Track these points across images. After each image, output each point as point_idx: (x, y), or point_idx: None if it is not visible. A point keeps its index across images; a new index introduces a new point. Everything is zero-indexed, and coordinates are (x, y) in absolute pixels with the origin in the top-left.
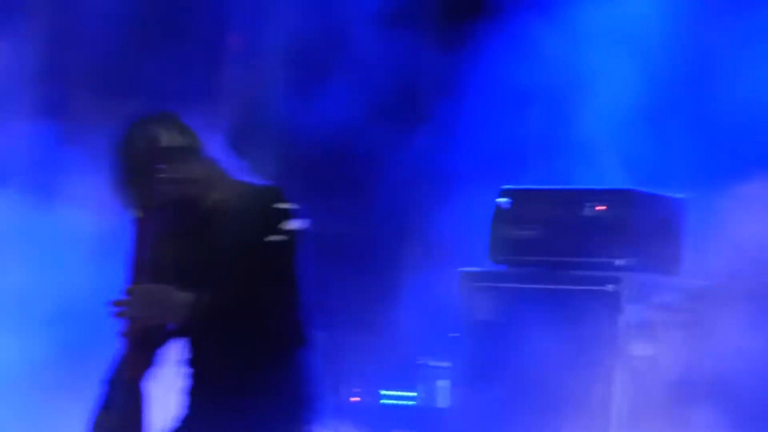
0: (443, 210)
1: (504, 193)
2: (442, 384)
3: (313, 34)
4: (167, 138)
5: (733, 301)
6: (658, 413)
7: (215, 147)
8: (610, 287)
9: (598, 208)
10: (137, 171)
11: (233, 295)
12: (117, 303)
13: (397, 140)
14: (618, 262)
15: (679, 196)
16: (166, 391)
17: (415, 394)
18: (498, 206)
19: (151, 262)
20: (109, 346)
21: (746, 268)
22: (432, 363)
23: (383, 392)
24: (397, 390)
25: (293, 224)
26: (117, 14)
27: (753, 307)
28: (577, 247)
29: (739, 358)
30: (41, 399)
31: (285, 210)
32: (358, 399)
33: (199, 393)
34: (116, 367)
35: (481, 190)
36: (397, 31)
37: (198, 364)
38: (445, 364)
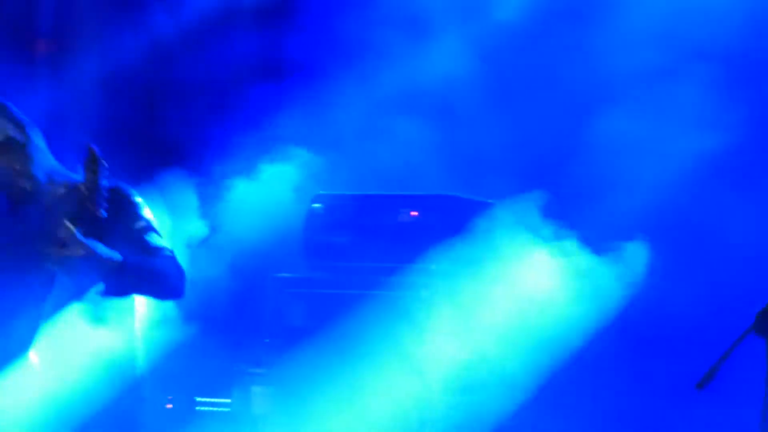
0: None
1: (317, 199)
2: (258, 390)
3: None
4: None
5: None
6: (472, 415)
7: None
8: (424, 292)
9: (412, 213)
10: None
11: None
12: None
13: None
14: (432, 267)
15: (492, 201)
16: None
17: (230, 400)
18: (310, 212)
19: None
20: None
21: None
22: (247, 369)
23: (198, 399)
24: (212, 397)
25: None
26: None
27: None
28: (391, 253)
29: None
30: None
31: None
32: (171, 406)
33: None
34: None
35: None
36: None
37: None
38: (260, 370)
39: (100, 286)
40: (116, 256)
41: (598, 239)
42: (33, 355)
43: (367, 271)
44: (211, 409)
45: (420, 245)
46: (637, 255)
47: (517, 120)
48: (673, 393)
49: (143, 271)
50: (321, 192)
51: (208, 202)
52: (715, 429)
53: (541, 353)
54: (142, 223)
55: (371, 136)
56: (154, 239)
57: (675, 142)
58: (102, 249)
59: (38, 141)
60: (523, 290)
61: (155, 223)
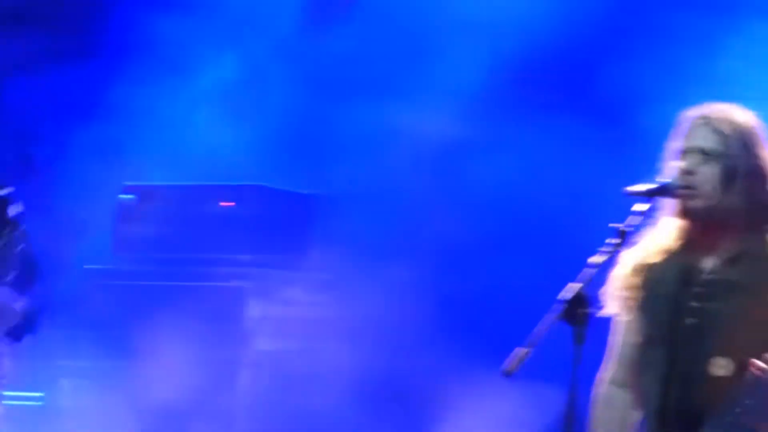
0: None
1: (126, 190)
2: (68, 383)
3: None
4: None
5: (355, 294)
6: (286, 407)
7: None
8: (235, 283)
9: (224, 204)
10: None
11: None
12: None
13: None
14: (244, 257)
15: (307, 192)
16: None
17: (41, 394)
18: (120, 203)
19: None
20: None
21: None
22: (57, 362)
23: (6, 393)
24: (21, 390)
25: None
26: None
27: (377, 298)
28: (203, 244)
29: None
30: None
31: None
32: None
33: None
34: None
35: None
36: None
37: None
38: (71, 362)
39: None
40: None
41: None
42: None
43: (180, 263)
44: (20, 403)
45: (233, 236)
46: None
47: (335, 110)
48: (485, 379)
49: None
50: (130, 183)
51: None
52: (523, 414)
53: (358, 344)
54: None
55: (183, 127)
56: None
57: None
58: None
59: None
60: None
61: None
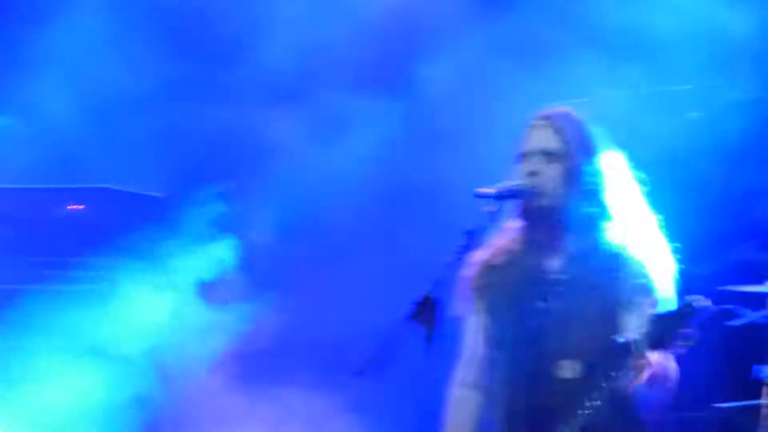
0: None
1: None
2: None
3: None
4: None
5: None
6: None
7: None
8: (88, 285)
9: (73, 207)
10: None
11: None
12: None
13: None
14: (95, 260)
15: (158, 194)
16: None
17: None
18: None
19: None
20: None
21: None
22: None
23: None
24: None
25: None
26: None
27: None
28: (52, 247)
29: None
30: None
31: None
32: None
33: None
34: None
35: None
36: None
37: None
38: None
39: None
40: None
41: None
42: None
43: (28, 266)
44: None
45: (83, 238)
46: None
47: (188, 114)
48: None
49: None
50: None
51: None
52: (378, 412)
53: (207, 345)
54: None
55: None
56: None
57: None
58: None
59: None
60: (191, 282)
61: None
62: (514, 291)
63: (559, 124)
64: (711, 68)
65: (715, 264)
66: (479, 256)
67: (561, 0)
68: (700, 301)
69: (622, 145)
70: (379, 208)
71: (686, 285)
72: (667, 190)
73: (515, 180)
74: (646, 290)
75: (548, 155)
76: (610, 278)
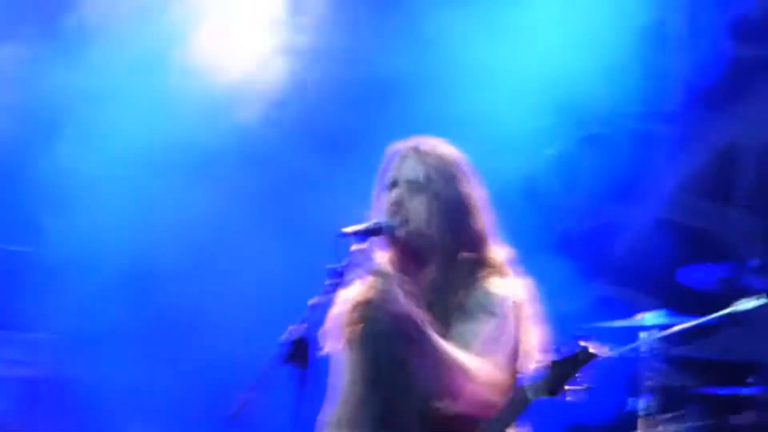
0: None
1: None
2: None
3: None
4: None
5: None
6: None
7: None
8: None
9: None
10: None
11: None
12: None
13: None
14: None
15: (20, 249)
16: None
17: None
18: None
19: None
20: None
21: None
22: None
23: None
24: None
25: None
26: None
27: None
28: None
29: None
30: None
31: None
32: None
33: None
34: None
35: None
36: None
37: None
38: None
39: None
40: None
41: None
42: None
43: None
44: None
45: None
46: None
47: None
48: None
49: None
50: None
51: None
52: None
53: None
54: None
55: None
56: None
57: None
58: None
59: None
60: None
61: None
62: (381, 327)
63: (424, 154)
64: (565, 106)
65: (575, 301)
66: (348, 292)
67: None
68: (596, 345)
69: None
70: (237, 246)
71: (549, 322)
72: (525, 227)
73: (378, 214)
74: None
75: (413, 185)
76: (476, 305)
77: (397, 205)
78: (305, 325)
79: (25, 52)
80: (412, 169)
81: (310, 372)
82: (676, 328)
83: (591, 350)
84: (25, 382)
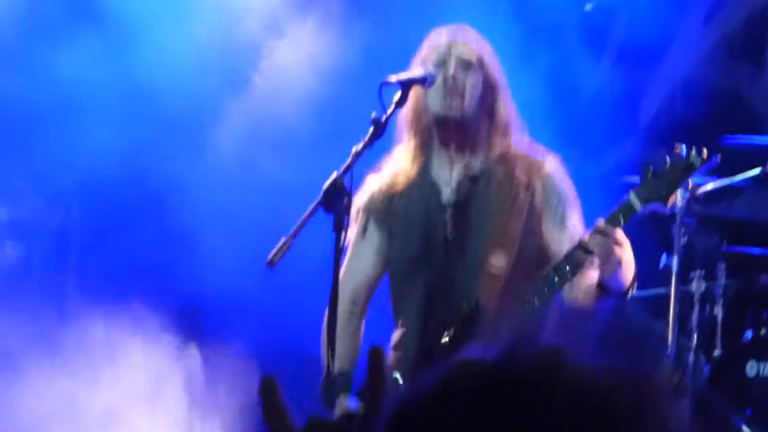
0: None
1: None
2: None
3: None
4: None
5: None
6: None
7: None
8: None
9: None
10: None
11: None
12: None
13: None
14: None
15: None
16: None
17: None
18: None
19: None
20: None
21: None
22: None
23: None
24: None
25: None
26: None
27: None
28: None
29: None
30: None
31: None
32: None
33: None
34: None
35: None
36: None
37: None
38: None
39: None
40: None
41: None
42: None
43: None
44: None
45: None
46: None
47: None
48: None
49: None
50: None
51: None
52: None
53: None
54: None
55: None
56: None
57: None
58: None
59: None
60: None
61: None
62: (415, 216)
63: (473, 39)
64: None
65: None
66: (375, 182)
67: None
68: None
69: None
70: None
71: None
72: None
73: (425, 71)
74: (568, 203)
75: (468, 64)
76: (517, 194)
77: (453, 80)
78: (342, 171)
79: None
80: (465, 51)
81: (346, 217)
82: (708, 187)
83: (691, 159)
84: None
